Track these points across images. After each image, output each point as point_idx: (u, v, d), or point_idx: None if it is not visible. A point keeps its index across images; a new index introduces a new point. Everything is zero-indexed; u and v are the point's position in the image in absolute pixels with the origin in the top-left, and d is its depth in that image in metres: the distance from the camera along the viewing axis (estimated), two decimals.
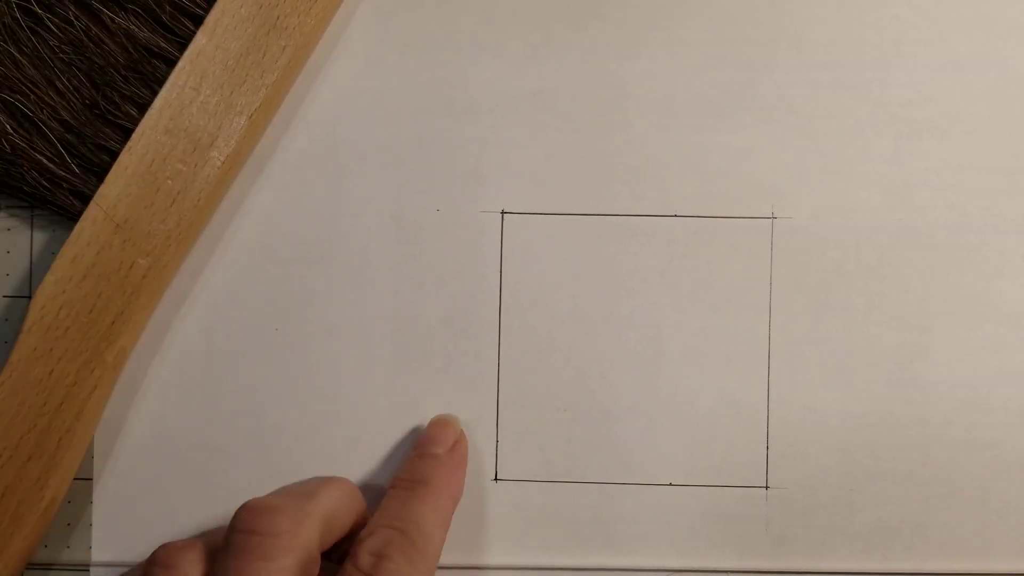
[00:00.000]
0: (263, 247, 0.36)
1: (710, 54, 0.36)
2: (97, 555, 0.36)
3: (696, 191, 0.36)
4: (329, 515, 0.31)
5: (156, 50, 0.34)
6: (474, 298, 0.36)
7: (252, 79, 0.34)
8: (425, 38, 0.36)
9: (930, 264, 0.36)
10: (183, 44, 0.34)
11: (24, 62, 0.34)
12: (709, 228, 0.36)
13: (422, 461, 0.34)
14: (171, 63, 0.34)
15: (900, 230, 0.36)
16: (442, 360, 0.36)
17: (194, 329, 0.36)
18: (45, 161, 0.34)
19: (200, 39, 0.34)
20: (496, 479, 0.36)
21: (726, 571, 0.36)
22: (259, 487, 0.36)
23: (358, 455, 0.36)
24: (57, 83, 0.34)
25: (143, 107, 0.34)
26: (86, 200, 0.34)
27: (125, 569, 0.36)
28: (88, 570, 0.36)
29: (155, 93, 0.34)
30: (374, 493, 0.35)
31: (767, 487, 0.36)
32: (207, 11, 0.34)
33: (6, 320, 0.36)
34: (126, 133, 0.34)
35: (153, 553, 0.31)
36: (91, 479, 0.36)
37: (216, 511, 0.36)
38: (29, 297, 0.36)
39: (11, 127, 0.34)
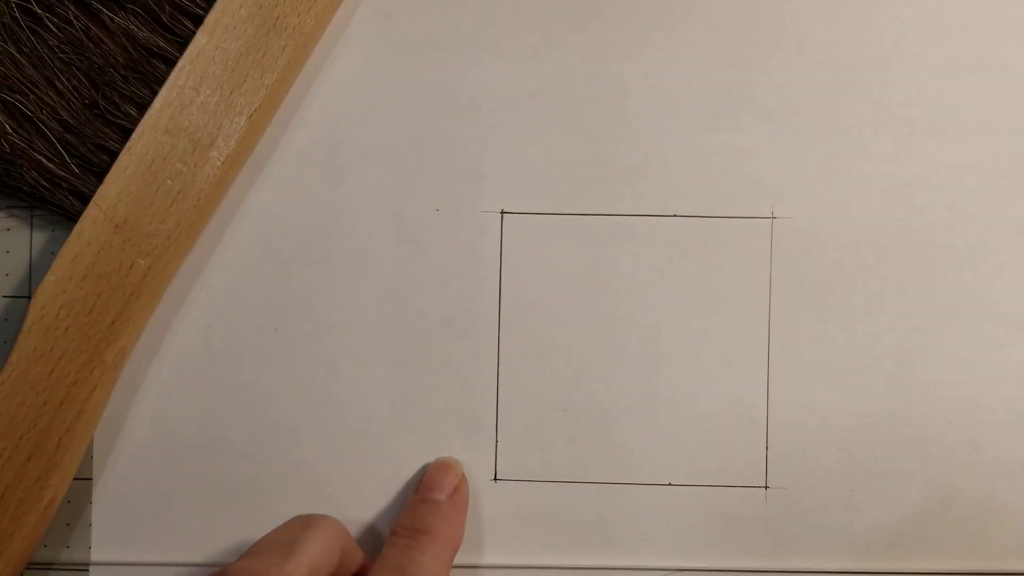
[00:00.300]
0: (263, 247, 0.36)
1: (710, 54, 0.36)
2: (97, 555, 0.36)
3: (696, 191, 0.36)
4: (312, 566, 0.30)
5: (156, 50, 0.34)
6: (474, 298, 0.36)
7: (252, 79, 0.34)
8: (425, 38, 0.36)
9: (930, 264, 0.36)
10: (183, 44, 0.34)
11: (24, 62, 0.34)
12: (709, 228, 0.36)
13: (423, 507, 0.34)
14: (171, 63, 0.34)
15: (900, 230, 0.36)
16: (442, 360, 0.36)
17: (194, 329, 0.36)
18: (45, 161, 0.34)
19: (200, 39, 0.34)
20: (496, 479, 0.36)
21: (726, 571, 0.36)
22: (259, 487, 0.36)
23: (358, 455, 0.36)
24: (57, 83, 0.34)
25: (143, 107, 0.34)
26: (86, 200, 0.34)
27: (124, 569, 0.36)
28: (88, 570, 0.36)
29: (155, 93, 0.34)
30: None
31: (767, 487, 0.36)
32: (207, 11, 0.34)
33: (6, 320, 0.36)
34: (126, 133, 0.34)
35: None
36: (91, 479, 0.36)
37: (216, 511, 0.36)
38: (29, 297, 0.36)
39: (11, 127, 0.34)
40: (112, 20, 0.34)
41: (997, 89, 0.36)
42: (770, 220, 0.36)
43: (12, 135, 0.34)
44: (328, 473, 0.36)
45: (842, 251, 0.36)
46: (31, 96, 0.34)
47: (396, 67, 0.36)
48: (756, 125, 0.36)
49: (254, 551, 0.31)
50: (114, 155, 0.34)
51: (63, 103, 0.34)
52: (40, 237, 0.36)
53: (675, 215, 0.36)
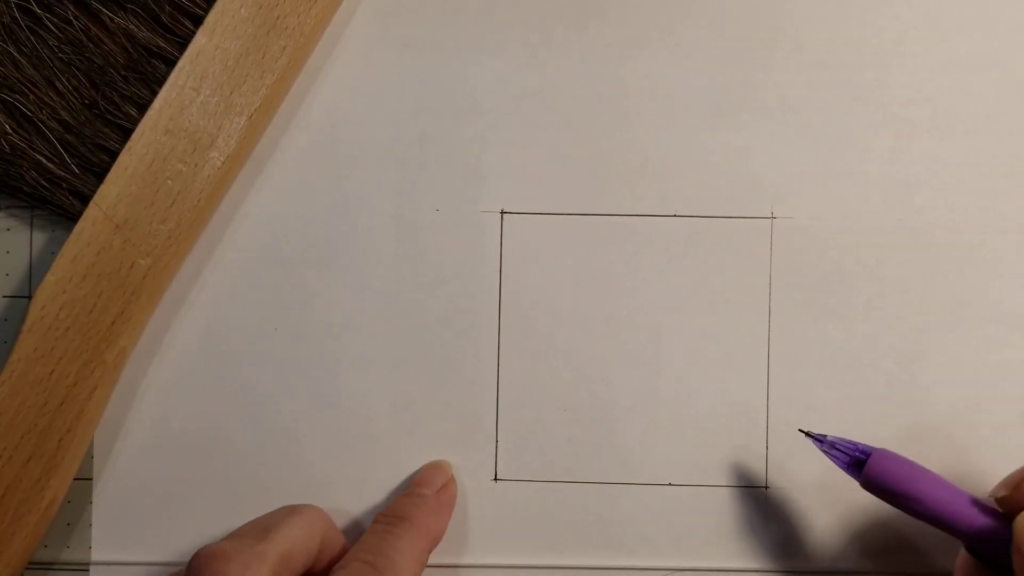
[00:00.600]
0: (263, 247, 0.36)
1: (710, 54, 0.36)
2: (97, 555, 0.36)
3: (696, 191, 0.36)
4: (285, 550, 0.31)
5: (156, 50, 0.34)
6: (474, 298, 0.36)
7: (252, 79, 0.34)
8: (425, 38, 0.36)
9: (930, 264, 0.36)
10: (183, 44, 0.34)
11: (24, 62, 0.34)
12: (709, 228, 0.36)
13: (407, 499, 0.34)
14: (171, 63, 0.34)
15: (900, 230, 0.36)
16: (442, 360, 0.36)
17: (194, 329, 0.36)
18: (45, 161, 0.34)
19: (200, 39, 0.34)
20: (496, 479, 0.36)
21: (726, 571, 0.36)
22: (259, 487, 0.36)
23: (358, 455, 0.36)
24: (57, 83, 0.34)
25: (143, 107, 0.34)
26: (86, 200, 0.34)
27: (124, 569, 0.36)
28: (88, 570, 0.36)
29: (155, 93, 0.34)
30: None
31: (767, 487, 0.36)
32: (207, 11, 0.34)
33: (6, 320, 0.36)
34: (126, 133, 0.34)
35: None
36: (91, 479, 0.36)
37: (216, 511, 0.36)
38: (29, 297, 0.36)
39: (11, 127, 0.34)
40: (112, 20, 0.34)
41: (997, 89, 0.36)
42: (770, 220, 0.36)
43: (12, 135, 0.34)
44: (328, 473, 0.36)
45: (842, 251, 0.36)
46: (31, 96, 0.34)
47: (396, 67, 0.36)
48: (756, 125, 0.36)
49: (233, 534, 0.32)
50: (114, 155, 0.34)
51: (63, 103, 0.34)
52: (40, 237, 0.36)
53: (675, 215, 0.36)
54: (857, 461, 0.32)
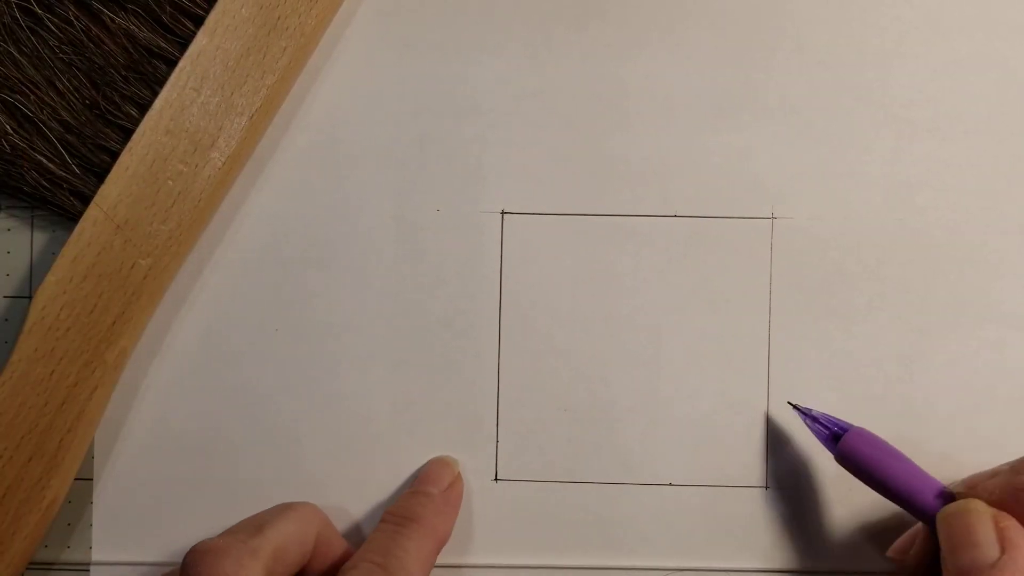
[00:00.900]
0: (263, 247, 0.36)
1: (710, 54, 0.36)
2: (97, 555, 0.36)
3: (696, 191, 0.36)
4: (279, 546, 0.31)
5: (156, 50, 0.34)
6: (474, 298, 0.36)
7: (253, 80, 0.34)
8: (425, 38, 0.36)
9: (930, 264, 0.36)
10: (183, 44, 0.34)
11: (24, 62, 0.34)
12: (709, 228, 0.36)
13: (415, 498, 0.34)
14: (171, 63, 0.34)
15: (900, 230, 0.36)
16: (442, 360, 0.36)
17: (194, 329, 0.36)
18: (45, 161, 0.34)
19: (201, 39, 0.34)
20: (496, 479, 0.36)
21: (726, 571, 0.36)
22: (259, 487, 0.36)
23: (358, 455, 0.36)
24: (57, 83, 0.34)
25: (143, 107, 0.34)
26: (86, 200, 0.34)
27: (125, 569, 0.36)
28: (88, 570, 0.36)
29: (155, 93, 0.34)
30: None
31: (767, 487, 0.36)
32: (207, 11, 0.34)
33: (7, 320, 0.36)
34: (126, 133, 0.34)
35: None
36: (91, 479, 0.36)
37: (216, 511, 0.36)
38: (29, 297, 0.36)
39: (11, 127, 0.34)
40: (113, 20, 0.34)
41: (998, 90, 0.36)
42: (770, 220, 0.36)
43: (13, 135, 0.34)
44: (328, 473, 0.36)
45: (842, 251, 0.36)
46: (32, 96, 0.34)
47: (396, 67, 0.36)
48: (756, 125, 0.36)
49: (227, 530, 0.32)
50: (115, 155, 0.34)
51: (64, 103, 0.34)
52: (41, 237, 0.36)
53: (675, 215, 0.36)
54: (835, 436, 0.33)
